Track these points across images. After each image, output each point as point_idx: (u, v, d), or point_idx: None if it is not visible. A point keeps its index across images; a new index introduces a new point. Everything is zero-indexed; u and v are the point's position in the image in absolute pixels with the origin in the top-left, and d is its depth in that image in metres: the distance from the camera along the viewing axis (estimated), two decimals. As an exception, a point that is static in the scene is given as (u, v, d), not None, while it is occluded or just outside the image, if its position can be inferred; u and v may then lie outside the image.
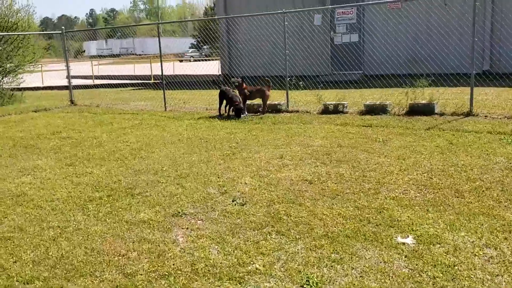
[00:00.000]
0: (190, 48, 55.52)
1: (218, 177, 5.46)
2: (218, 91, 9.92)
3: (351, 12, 15.54)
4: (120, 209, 4.61)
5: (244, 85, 9.63)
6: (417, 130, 7.34)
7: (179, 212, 4.43)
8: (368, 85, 12.18)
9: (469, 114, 8.08)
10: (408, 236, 3.63)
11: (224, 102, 9.68)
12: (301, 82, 9.87)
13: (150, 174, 5.73)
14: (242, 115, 9.36)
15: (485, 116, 7.96)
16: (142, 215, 4.42)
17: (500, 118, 7.76)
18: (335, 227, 3.90)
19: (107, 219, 4.38)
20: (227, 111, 9.70)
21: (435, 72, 11.03)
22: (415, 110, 8.50)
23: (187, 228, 4.08)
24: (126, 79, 23.30)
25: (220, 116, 9.66)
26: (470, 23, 13.41)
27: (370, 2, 13.79)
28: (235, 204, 4.55)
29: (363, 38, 15.42)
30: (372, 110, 8.80)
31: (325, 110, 9.25)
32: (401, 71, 13.90)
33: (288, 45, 10.05)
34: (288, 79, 9.88)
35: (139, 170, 5.94)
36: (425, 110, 8.43)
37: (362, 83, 13.08)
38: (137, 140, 7.82)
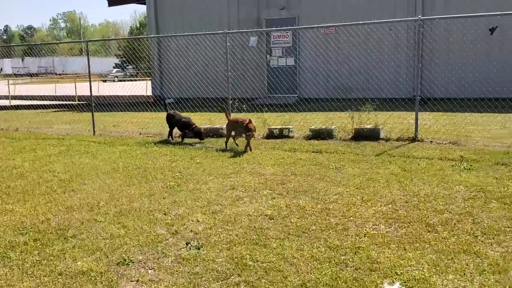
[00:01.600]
0: (114, 67, 53.66)
1: (165, 214, 4.82)
2: (151, 113, 9.25)
3: (287, 36, 15.51)
4: (52, 257, 3.84)
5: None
6: (367, 156, 7.15)
7: (125, 260, 3.75)
8: (308, 109, 12.03)
9: (414, 139, 8.06)
10: (395, 282, 3.23)
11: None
12: (244, 105, 9.46)
13: (85, 211, 4.97)
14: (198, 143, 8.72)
15: (431, 142, 7.97)
16: (79, 265, 3.69)
17: (445, 144, 7.79)
18: (310, 273, 3.43)
19: (35, 272, 3.60)
20: (174, 136, 9.13)
21: (368, 97, 11.11)
22: (360, 135, 8.36)
23: (137, 281, 3.43)
24: (47, 100, 21.67)
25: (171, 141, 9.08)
26: (403, 51, 13.88)
27: (305, 26, 13.82)
28: (190, 248, 3.95)
29: (298, 62, 15.40)
30: (318, 135, 8.56)
31: (270, 135, 8.88)
32: (335, 95, 14.02)
33: (229, 66, 9.63)
34: (230, 102, 9.43)
35: (71, 207, 5.14)
36: (371, 135, 8.32)
37: (298, 106, 12.94)
38: (65, 169, 6.94)
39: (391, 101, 10.90)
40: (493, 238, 3.92)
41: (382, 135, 8.37)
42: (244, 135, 7.80)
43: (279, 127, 8.99)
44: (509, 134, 8.34)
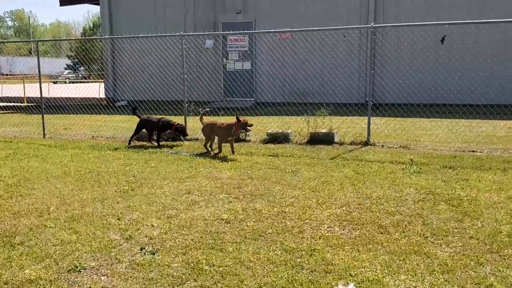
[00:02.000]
0: (65, 69, 52.10)
1: (119, 219, 4.71)
2: (104, 116, 9.02)
3: (244, 40, 15.56)
4: (-4, 267, 3.67)
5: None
6: (322, 159, 7.26)
7: (76, 267, 3.63)
8: (265, 113, 12.11)
9: (367, 143, 8.27)
10: (349, 284, 3.29)
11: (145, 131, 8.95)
12: (202, 109, 9.39)
13: (34, 217, 4.77)
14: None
15: (382, 146, 8.20)
16: (27, 273, 3.54)
17: (396, 148, 8.03)
18: (267, 276, 3.44)
19: (-22, 282, 3.42)
20: (152, 140, 8.97)
21: (323, 102, 11.30)
22: (316, 139, 8.49)
23: (89, 288, 3.32)
24: (-8, 101, 20.72)
25: (129, 146, 8.79)
26: (356, 57, 14.22)
27: (261, 31, 13.93)
28: (145, 253, 3.88)
29: (255, 66, 15.48)
30: (275, 138, 8.63)
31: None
32: (291, 100, 14.19)
33: (183, 69, 9.55)
34: (186, 105, 9.34)
35: (19, 212, 4.93)
36: (325, 139, 8.47)
37: (255, 110, 13.01)
38: (13, 173, 6.65)
39: (345, 106, 11.14)
40: (442, 239, 4.07)
41: (336, 139, 8.54)
42: (229, 139, 7.83)
43: (236, 131, 8.98)
44: (456, 139, 8.71)
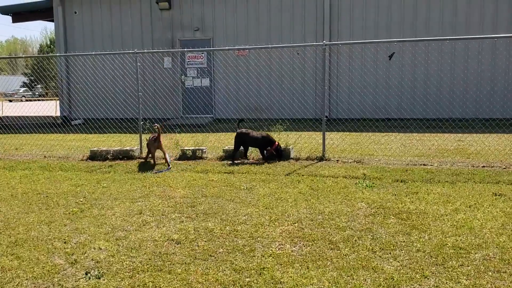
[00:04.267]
0: (21, 87, 50.65)
1: (65, 242, 4.55)
2: (58, 135, 8.79)
3: (202, 57, 15.57)
4: None
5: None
6: (277, 175, 7.29)
7: (14, 296, 3.47)
8: (222, 129, 12.07)
9: (322, 158, 8.36)
10: (296, 302, 3.28)
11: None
12: (164, 123, 9.29)
13: (-27, 244, 4.55)
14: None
15: (337, 161, 8.31)
16: (-40, 305, 3.35)
17: (350, 162, 8.16)
18: (214, 297, 3.39)
19: None
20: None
21: (279, 118, 11.41)
22: (272, 155, 8.51)
23: (27, 318, 3.17)
24: None
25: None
26: (310, 74, 14.47)
27: (218, 48, 13.99)
28: (90, 278, 3.75)
29: (214, 83, 15.50)
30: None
31: (183, 156, 8.77)
32: (248, 116, 14.25)
33: (139, 86, 9.44)
34: (141, 122, 9.21)
35: (-43, 239, 4.69)
36: (282, 155, 8.50)
37: (212, 126, 12.94)
38: (-46, 198, 6.34)
39: (300, 122, 11.29)
40: (390, 253, 4.13)
41: (292, 154, 8.60)
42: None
43: (192, 148, 8.92)
44: (408, 152, 8.94)
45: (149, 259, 4.09)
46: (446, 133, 10.96)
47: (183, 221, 5.13)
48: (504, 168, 7.48)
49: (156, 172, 7.73)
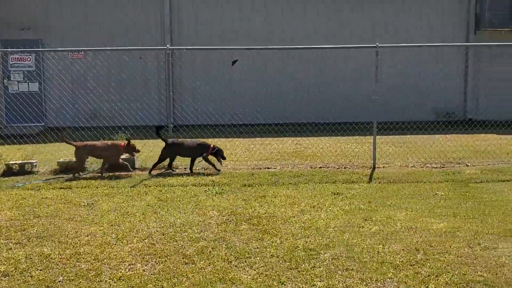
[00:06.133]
0: None
1: None
2: None
3: (29, 59, 13.97)
4: None
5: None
6: (122, 188, 6.80)
7: None
8: (56, 140, 10.94)
9: (169, 167, 8.07)
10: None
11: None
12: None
13: None
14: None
15: (185, 168, 8.10)
16: None
17: (198, 169, 8.03)
18: (55, 338, 2.90)
19: None
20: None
21: (121, 125, 10.80)
22: (113, 166, 7.94)
23: None
24: None
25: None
26: (155, 79, 14.06)
27: (48, 49, 12.73)
28: None
29: (45, 87, 14.03)
30: (68, 168, 7.78)
31: (9, 171, 7.66)
32: (85, 124, 13.25)
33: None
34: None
35: None
36: (125, 165, 7.97)
37: (44, 137, 11.67)
38: None
39: (145, 129, 10.83)
40: (245, 261, 4.07)
41: (137, 164, 8.16)
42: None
43: (20, 162, 7.86)
44: (252, 157, 9.17)
45: (-33, 301, 3.39)
46: (286, 137, 11.57)
47: (11, 248, 4.40)
48: (338, 168, 8.11)
49: None
